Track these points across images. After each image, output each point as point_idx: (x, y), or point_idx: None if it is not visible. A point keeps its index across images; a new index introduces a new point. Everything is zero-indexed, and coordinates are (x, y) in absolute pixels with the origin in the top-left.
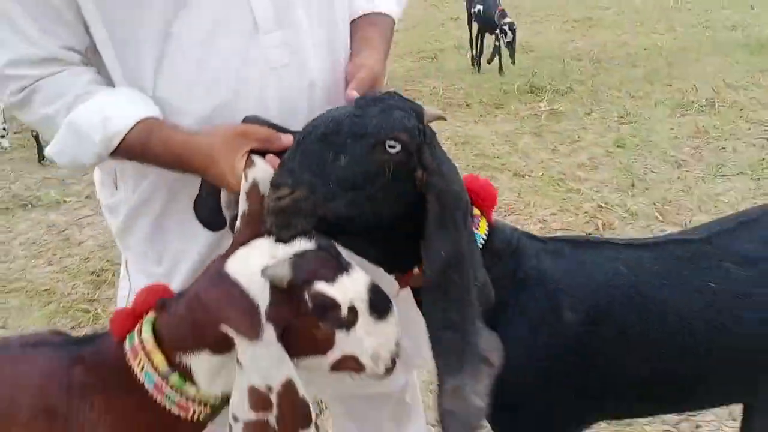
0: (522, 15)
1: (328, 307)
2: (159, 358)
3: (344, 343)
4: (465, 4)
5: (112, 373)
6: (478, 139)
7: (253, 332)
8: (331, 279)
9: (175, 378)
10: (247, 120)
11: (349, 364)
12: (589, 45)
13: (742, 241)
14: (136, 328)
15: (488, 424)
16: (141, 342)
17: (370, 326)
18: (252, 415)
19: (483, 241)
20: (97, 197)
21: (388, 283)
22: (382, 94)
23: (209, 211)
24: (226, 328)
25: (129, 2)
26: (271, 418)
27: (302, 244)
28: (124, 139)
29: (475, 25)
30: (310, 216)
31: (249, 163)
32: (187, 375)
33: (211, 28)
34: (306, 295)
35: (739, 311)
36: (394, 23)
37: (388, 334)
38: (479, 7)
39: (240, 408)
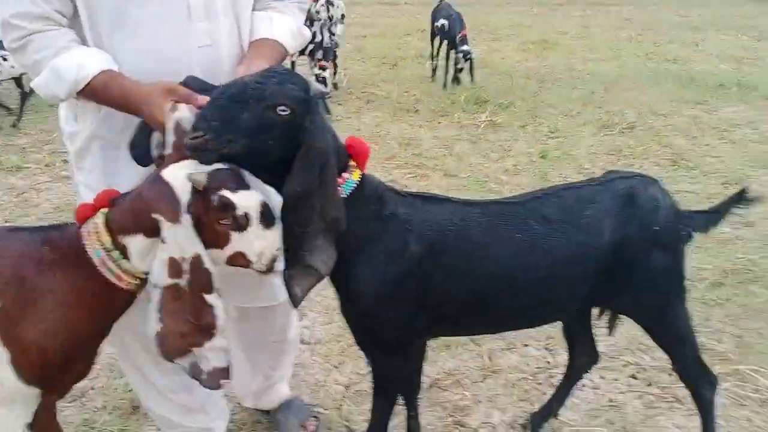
0: (484, 32)
1: (228, 208)
2: (106, 239)
3: (237, 242)
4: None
5: (71, 251)
6: (420, 141)
7: (175, 217)
8: (233, 190)
9: (116, 254)
10: (187, 80)
11: (240, 260)
12: (538, 66)
13: (545, 206)
14: (92, 218)
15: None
16: (94, 226)
17: (258, 232)
18: (169, 281)
19: (355, 186)
20: (55, 166)
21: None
22: (283, 70)
23: (141, 150)
24: (156, 215)
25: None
26: (183, 282)
27: (218, 165)
28: (90, 81)
29: (438, 39)
30: (215, 152)
31: (174, 108)
32: (124, 253)
33: (158, 13)
34: (214, 197)
35: (536, 255)
36: (285, 53)
37: (272, 240)
38: (443, 22)
39: (160, 276)
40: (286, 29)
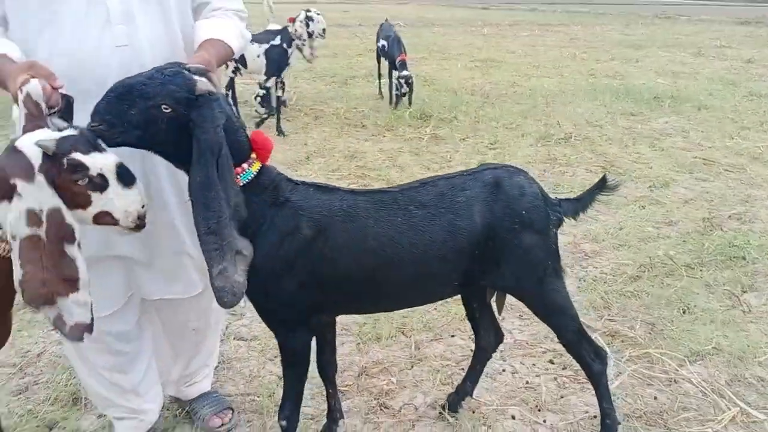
0: (434, 52)
1: (78, 169)
2: None
3: (99, 201)
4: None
5: None
6: (365, 154)
7: (29, 178)
8: (84, 153)
9: None
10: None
11: (107, 219)
12: (484, 82)
13: (422, 194)
14: None
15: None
16: None
17: (119, 191)
18: (27, 230)
19: (252, 176)
20: None
21: None
22: (172, 69)
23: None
24: (13, 180)
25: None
26: (41, 232)
27: (68, 132)
28: None
29: (383, 59)
30: (112, 140)
31: (25, 81)
32: None
33: (80, 16)
34: (64, 161)
35: (414, 236)
36: (232, 53)
37: (134, 198)
38: (382, 42)
39: (18, 226)
40: (231, 31)
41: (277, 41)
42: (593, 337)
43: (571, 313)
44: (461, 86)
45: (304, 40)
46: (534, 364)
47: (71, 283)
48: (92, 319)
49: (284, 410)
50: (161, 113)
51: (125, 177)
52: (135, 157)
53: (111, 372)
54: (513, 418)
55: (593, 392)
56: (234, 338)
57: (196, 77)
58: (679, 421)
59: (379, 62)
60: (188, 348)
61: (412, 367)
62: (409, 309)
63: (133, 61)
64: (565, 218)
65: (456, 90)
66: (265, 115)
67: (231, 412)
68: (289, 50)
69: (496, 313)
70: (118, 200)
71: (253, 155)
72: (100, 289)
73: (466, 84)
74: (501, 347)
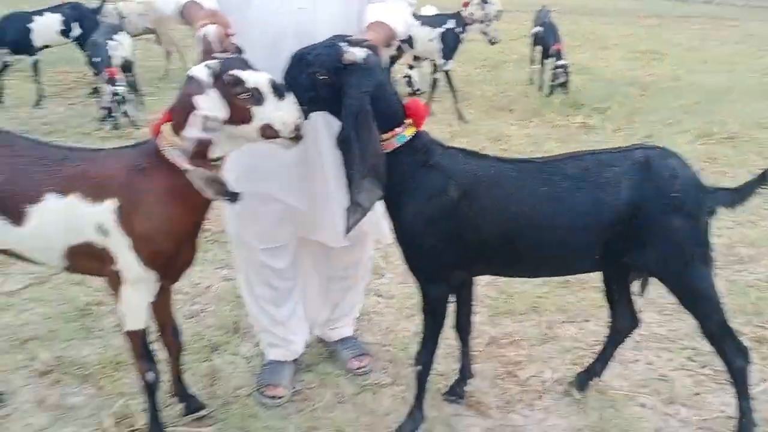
0: (591, 41)
1: (238, 82)
2: (174, 138)
3: (260, 115)
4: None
5: (157, 158)
6: (510, 138)
7: (202, 91)
8: (241, 70)
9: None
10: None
11: (269, 132)
12: (643, 74)
13: (568, 167)
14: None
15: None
16: (164, 133)
17: (275, 104)
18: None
19: (406, 139)
20: None
21: None
22: (328, 42)
23: None
24: (192, 98)
25: None
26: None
27: (229, 55)
28: (183, 6)
29: (539, 48)
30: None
31: (204, 25)
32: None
33: None
34: (226, 77)
35: (557, 206)
36: (395, 36)
37: (289, 108)
38: (538, 29)
39: (189, 131)
40: (397, 17)
41: (451, 24)
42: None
43: (716, 303)
44: (618, 77)
45: (488, 22)
46: (670, 359)
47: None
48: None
49: (420, 356)
50: (318, 79)
51: (279, 90)
52: None
53: (267, 304)
54: (642, 406)
55: (732, 393)
56: (374, 294)
57: (345, 48)
58: None
59: (533, 49)
60: (335, 295)
61: (542, 344)
62: (544, 288)
63: (308, 23)
64: (719, 207)
65: (612, 80)
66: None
67: (368, 357)
68: (461, 34)
69: (638, 295)
70: (275, 112)
71: (408, 120)
72: (266, 225)
73: (623, 75)
74: (637, 338)
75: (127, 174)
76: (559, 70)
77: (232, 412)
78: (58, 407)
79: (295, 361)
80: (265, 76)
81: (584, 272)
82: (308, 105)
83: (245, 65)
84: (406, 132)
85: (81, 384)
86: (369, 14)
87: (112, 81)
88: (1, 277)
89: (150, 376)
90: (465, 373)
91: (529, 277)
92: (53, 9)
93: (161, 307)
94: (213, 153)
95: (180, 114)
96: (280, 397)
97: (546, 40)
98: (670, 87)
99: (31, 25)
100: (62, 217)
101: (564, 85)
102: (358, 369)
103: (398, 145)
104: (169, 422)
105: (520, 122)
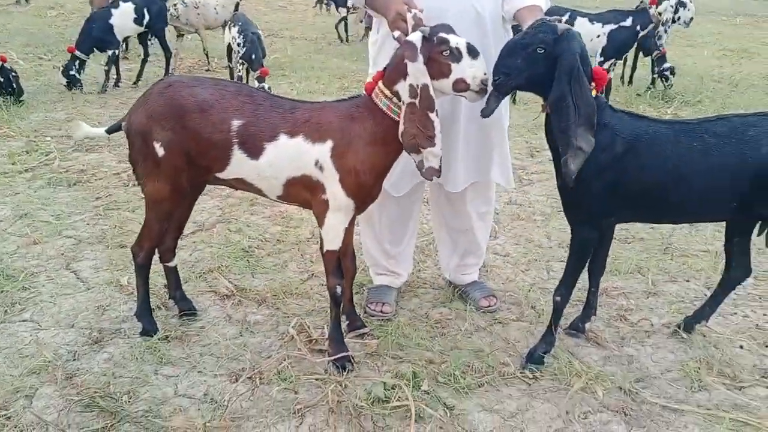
0: (678, 38)
1: (444, 41)
2: (387, 92)
3: (456, 70)
4: None
5: (368, 108)
6: None
7: (414, 57)
8: (446, 34)
9: (394, 99)
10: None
11: (461, 85)
12: (733, 71)
13: (717, 126)
14: (375, 86)
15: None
16: (378, 89)
17: (469, 61)
18: (408, 99)
19: None
20: None
21: None
22: (538, 23)
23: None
24: (406, 60)
25: None
26: (416, 101)
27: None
28: None
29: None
30: (508, 86)
31: (409, 9)
32: (399, 97)
33: None
34: (434, 38)
35: (707, 159)
36: (542, 12)
37: (480, 66)
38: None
39: (404, 95)
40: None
41: (628, 22)
42: None
43: None
44: (707, 73)
45: (668, 26)
46: (765, 314)
47: (430, 139)
48: (440, 166)
49: (560, 289)
50: (537, 54)
51: (473, 51)
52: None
53: (384, 241)
54: (741, 347)
55: None
56: (492, 252)
57: (556, 23)
58: None
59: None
60: (463, 244)
61: (647, 297)
62: (644, 254)
63: (470, 4)
64: None
65: (701, 76)
66: None
67: (495, 298)
68: (641, 33)
69: (766, 245)
70: (468, 68)
71: (592, 84)
72: (403, 175)
73: (712, 72)
74: (734, 297)
75: (342, 121)
76: (666, 73)
77: (387, 332)
78: (244, 322)
79: (397, 288)
80: (463, 39)
81: (719, 220)
82: (522, 86)
83: (450, 30)
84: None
85: (259, 306)
86: None
87: (261, 79)
88: None
89: (338, 289)
90: (590, 311)
91: (669, 222)
92: None
93: (346, 235)
94: None
95: (395, 72)
96: (386, 313)
97: (645, 39)
98: (761, 85)
99: (112, 21)
100: (290, 153)
101: (670, 87)
102: (488, 306)
103: None
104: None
105: None
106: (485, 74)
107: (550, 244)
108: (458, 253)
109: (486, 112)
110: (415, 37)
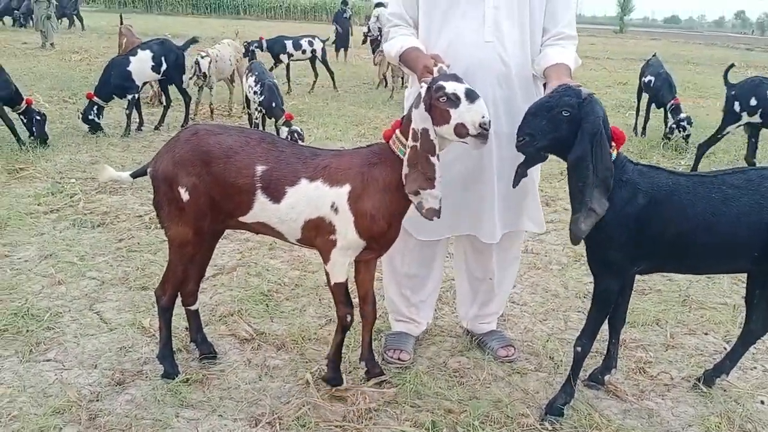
0: (689, 89)
1: (440, 89)
2: (403, 140)
3: (455, 115)
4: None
5: (386, 155)
6: None
7: (418, 104)
8: (444, 81)
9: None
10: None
11: (461, 130)
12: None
13: (734, 178)
14: (393, 134)
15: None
16: (396, 138)
17: (467, 106)
18: (411, 143)
19: (613, 159)
20: None
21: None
22: (562, 88)
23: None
24: (415, 109)
25: (430, 7)
26: (417, 145)
27: (444, 71)
28: (404, 51)
29: (644, 95)
30: (533, 147)
31: (434, 63)
32: None
33: (466, 21)
34: (433, 86)
35: (727, 209)
36: (571, 72)
37: (478, 110)
38: (650, 78)
39: (420, 121)
40: (571, 58)
41: None
42: None
43: None
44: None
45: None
46: None
47: (430, 181)
48: (440, 207)
49: (581, 339)
50: (562, 116)
51: (471, 95)
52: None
53: (405, 288)
54: (762, 403)
55: None
56: (509, 301)
57: (580, 88)
58: None
59: (639, 97)
60: (484, 294)
61: (666, 350)
62: (662, 306)
63: (494, 54)
64: None
65: (714, 127)
66: None
67: (513, 348)
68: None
69: None
70: (467, 113)
71: (613, 143)
72: (434, 222)
73: None
74: (754, 351)
75: (360, 166)
76: (684, 123)
77: (406, 380)
78: (263, 367)
79: (416, 337)
80: (462, 85)
81: (741, 271)
82: (545, 147)
83: (455, 78)
84: (613, 153)
85: (278, 350)
86: (549, 56)
87: (288, 123)
88: None
89: (348, 318)
90: (610, 362)
91: (691, 272)
92: (142, 46)
93: (366, 279)
94: None
95: (408, 123)
96: (404, 360)
97: (660, 92)
98: None
99: (130, 67)
100: (309, 196)
101: (687, 137)
102: (506, 356)
103: None
104: (356, 383)
105: None
106: (483, 117)
107: (567, 294)
108: (478, 302)
109: (515, 184)
110: (423, 88)
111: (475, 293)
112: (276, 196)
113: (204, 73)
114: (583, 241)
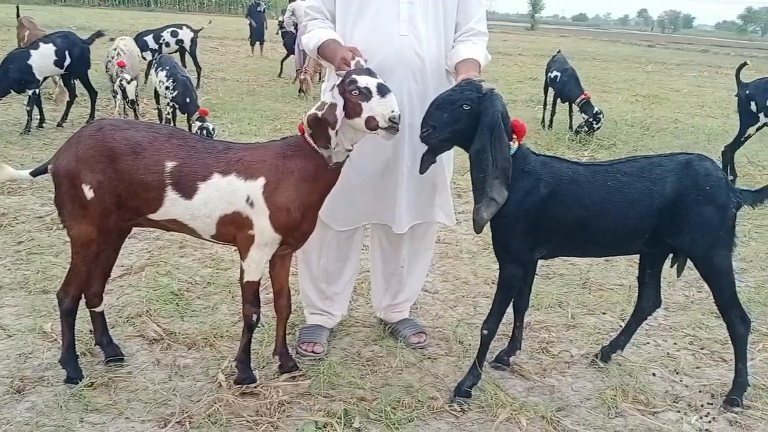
0: (594, 84)
1: (352, 82)
2: None
3: (367, 109)
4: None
5: (301, 147)
6: None
7: (333, 96)
8: (358, 75)
9: None
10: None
11: (372, 123)
12: (645, 116)
13: (627, 166)
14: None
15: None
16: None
17: (378, 100)
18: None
19: (514, 151)
20: None
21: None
22: (464, 82)
23: None
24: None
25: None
26: (320, 113)
27: (360, 65)
28: (322, 43)
29: (551, 90)
30: (436, 139)
31: (352, 57)
32: None
33: (381, 14)
34: (347, 79)
35: (621, 196)
36: (480, 68)
37: (388, 103)
38: (556, 73)
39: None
40: (481, 53)
41: None
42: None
43: (731, 279)
44: (621, 118)
45: None
46: (675, 343)
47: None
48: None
49: (487, 323)
50: (463, 110)
51: (382, 89)
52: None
53: (320, 281)
54: (654, 375)
55: (726, 368)
56: (421, 290)
57: (481, 83)
58: None
59: (546, 92)
60: (396, 283)
61: (568, 329)
62: (565, 288)
63: (409, 48)
64: (744, 204)
65: (616, 120)
66: None
67: (425, 335)
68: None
69: (677, 275)
70: (378, 107)
71: (515, 136)
72: (346, 210)
73: (626, 116)
74: (646, 328)
75: (274, 159)
76: (599, 116)
77: (319, 371)
78: (173, 366)
79: (330, 329)
80: (374, 79)
81: (634, 252)
82: (447, 138)
83: (369, 73)
84: (514, 145)
85: (188, 350)
86: (460, 52)
87: (202, 119)
88: None
89: (254, 317)
90: (515, 344)
91: (590, 256)
92: (45, 39)
93: (281, 274)
94: (343, 144)
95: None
96: (318, 353)
97: (567, 88)
98: (670, 128)
99: (31, 61)
100: (222, 191)
101: (598, 128)
102: (417, 343)
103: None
104: (269, 378)
105: None
106: (393, 111)
107: (476, 280)
108: (391, 292)
109: (422, 170)
110: (338, 80)
111: (388, 283)
112: (187, 192)
113: (132, 99)
114: (489, 229)
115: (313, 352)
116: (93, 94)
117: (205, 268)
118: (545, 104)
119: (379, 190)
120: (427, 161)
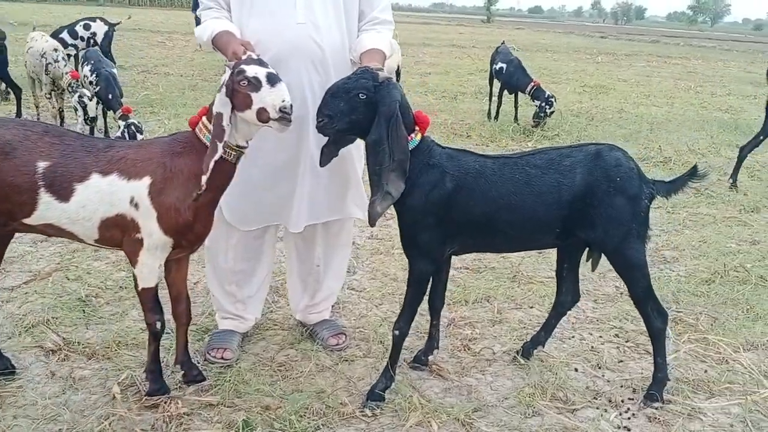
0: (544, 75)
1: (241, 72)
2: (210, 126)
3: (257, 99)
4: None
5: (191, 143)
6: None
7: (220, 89)
8: (246, 65)
9: None
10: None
11: (263, 114)
12: (591, 106)
13: (536, 158)
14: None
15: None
16: (202, 124)
17: (269, 90)
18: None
19: (417, 143)
20: None
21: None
22: (360, 70)
23: None
24: (216, 96)
25: None
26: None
27: (249, 55)
28: (215, 35)
29: (497, 82)
30: (332, 128)
31: (244, 51)
32: None
33: (277, 3)
34: (235, 70)
35: (529, 189)
36: (385, 57)
37: (279, 94)
38: (501, 65)
39: (219, 105)
40: (386, 43)
41: None
42: None
43: (644, 271)
44: (567, 108)
45: None
46: (600, 336)
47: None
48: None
49: (399, 322)
50: (359, 99)
51: (272, 79)
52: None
53: (230, 284)
54: (576, 370)
55: (650, 360)
56: (347, 288)
57: (378, 72)
58: (722, 390)
59: (491, 84)
60: (313, 283)
61: (493, 325)
62: (494, 282)
63: (307, 36)
64: (657, 196)
65: (561, 111)
66: None
67: (344, 335)
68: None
69: (592, 269)
70: (269, 97)
71: (417, 128)
72: (249, 209)
73: (572, 107)
74: (573, 320)
75: (162, 156)
76: (551, 100)
77: (226, 379)
78: (69, 379)
79: (244, 333)
80: (264, 69)
81: (548, 246)
82: (345, 129)
83: (254, 62)
84: (416, 137)
85: (88, 360)
86: (365, 41)
87: (125, 117)
88: (0, 274)
89: (157, 325)
90: (433, 343)
91: (504, 251)
92: None
93: (177, 279)
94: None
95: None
96: (227, 359)
97: (513, 78)
98: (614, 118)
99: None
100: (102, 192)
101: (552, 113)
102: (336, 345)
103: (411, 148)
104: (171, 388)
105: (477, 147)
106: (284, 101)
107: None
108: (308, 292)
109: (322, 163)
110: (226, 76)
111: (305, 283)
112: (63, 194)
113: (93, 117)
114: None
115: (222, 358)
116: (17, 90)
117: (119, 271)
118: (491, 96)
119: (277, 188)
120: (328, 153)
